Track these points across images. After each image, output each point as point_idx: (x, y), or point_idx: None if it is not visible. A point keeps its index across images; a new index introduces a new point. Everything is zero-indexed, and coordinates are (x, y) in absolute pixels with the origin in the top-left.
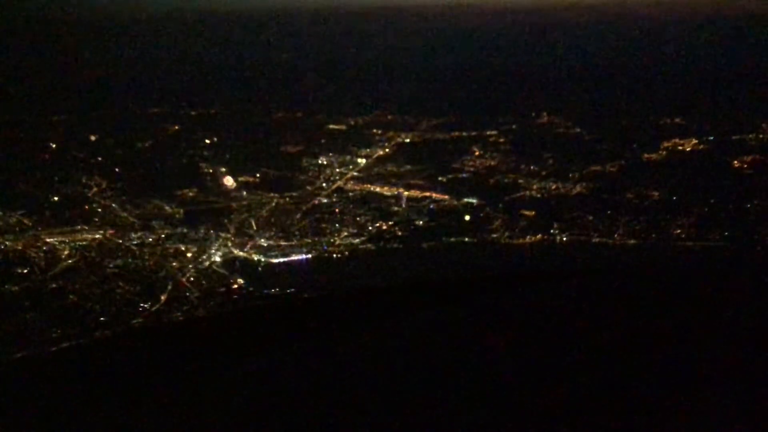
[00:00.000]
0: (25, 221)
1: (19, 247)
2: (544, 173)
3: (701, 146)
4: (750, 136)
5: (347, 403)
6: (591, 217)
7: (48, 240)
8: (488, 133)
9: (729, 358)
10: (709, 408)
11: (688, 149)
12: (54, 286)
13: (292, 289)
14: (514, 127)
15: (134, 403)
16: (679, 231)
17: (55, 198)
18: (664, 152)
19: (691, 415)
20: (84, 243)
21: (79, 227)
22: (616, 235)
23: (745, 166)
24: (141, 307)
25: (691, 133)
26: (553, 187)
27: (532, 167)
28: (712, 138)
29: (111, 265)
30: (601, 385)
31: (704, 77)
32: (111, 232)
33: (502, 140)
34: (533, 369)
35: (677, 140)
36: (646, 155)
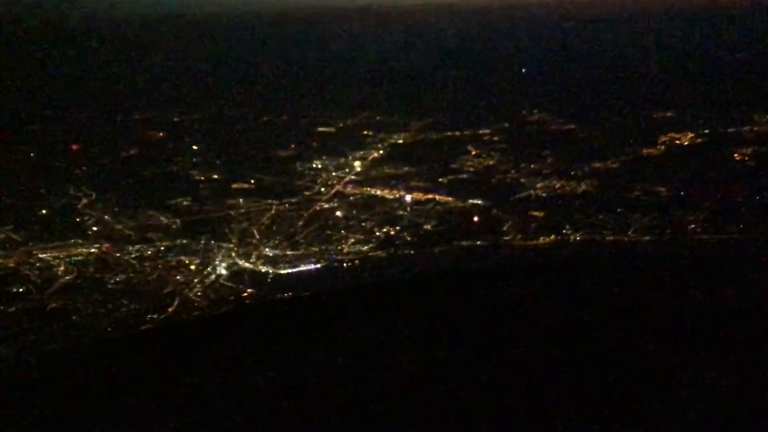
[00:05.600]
0: (15, 236)
1: (12, 265)
2: (545, 172)
3: (699, 140)
4: (745, 128)
5: (353, 398)
6: (601, 216)
7: (41, 256)
8: (482, 132)
9: (748, 346)
10: (725, 395)
11: (686, 143)
12: (54, 305)
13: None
14: (506, 125)
15: (140, 402)
16: (693, 226)
17: (44, 211)
18: (663, 147)
19: (706, 403)
20: (80, 258)
21: (72, 241)
22: (630, 233)
23: (746, 158)
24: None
25: (685, 126)
26: (558, 185)
27: (532, 166)
28: (707, 131)
29: (112, 281)
30: (620, 375)
31: (691, 71)
32: (107, 245)
33: (496, 139)
34: (540, 363)
35: (673, 134)
36: (645, 150)
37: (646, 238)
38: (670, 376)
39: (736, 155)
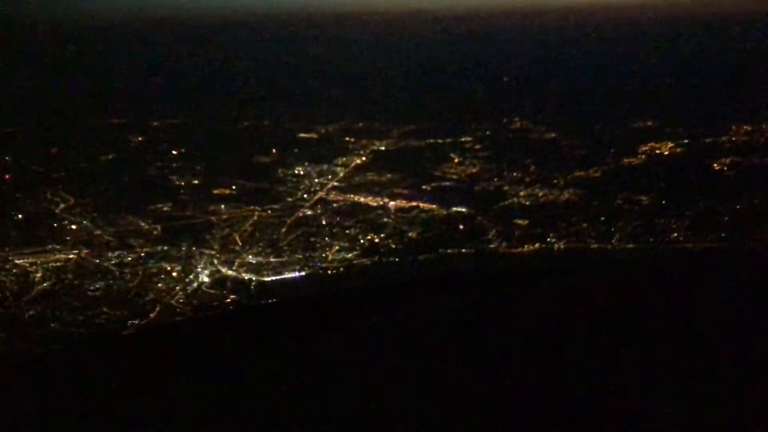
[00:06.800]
0: None
1: None
2: (528, 180)
3: (678, 149)
4: (723, 138)
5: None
6: (585, 224)
7: (18, 262)
8: (464, 139)
9: (729, 354)
10: (706, 404)
11: (666, 153)
12: (32, 312)
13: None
14: (488, 133)
15: (119, 409)
16: (675, 234)
17: (20, 216)
18: (644, 156)
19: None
20: (58, 264)
21: (50, 247)
22: (613, 241)
23: (725, 168)
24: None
25: (665, 136)
26: (541, 194)
27: (515, 174)
28: (687, 141)
29: (91, 288)
30: (607, 384)
31: (671, 81)
32: (86, 251)
33: (478, 147)
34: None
35: (653, 144)
36: (626, 159)
37: (630, 246)
38: (652, 383)
39: (715, 164)
